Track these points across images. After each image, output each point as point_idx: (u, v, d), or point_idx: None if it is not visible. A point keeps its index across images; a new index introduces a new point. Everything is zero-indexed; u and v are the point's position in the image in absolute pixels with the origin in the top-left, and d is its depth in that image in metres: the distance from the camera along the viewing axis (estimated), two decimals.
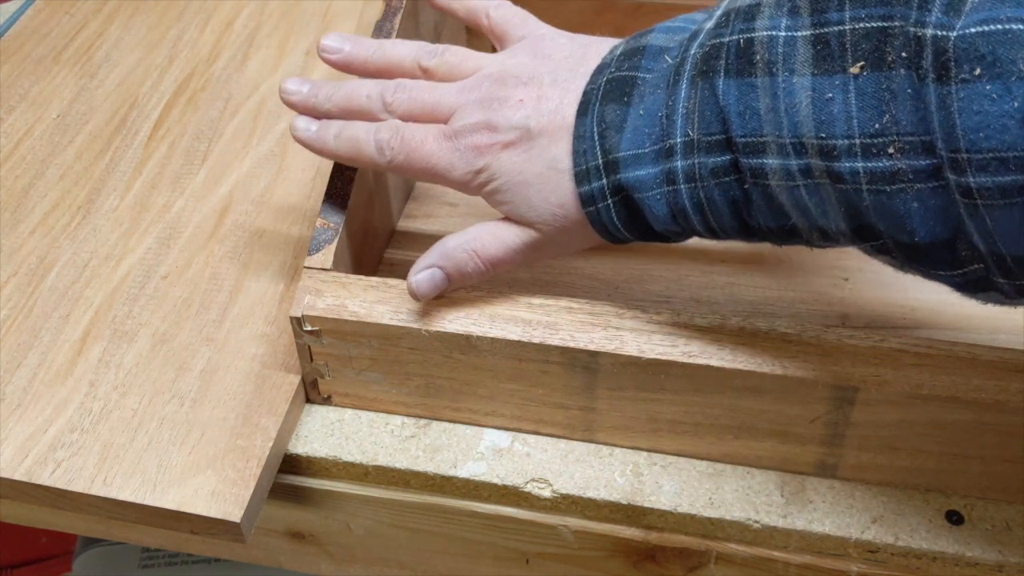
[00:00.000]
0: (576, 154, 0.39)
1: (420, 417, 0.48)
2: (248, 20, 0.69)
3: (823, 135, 0.32)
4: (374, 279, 0.46)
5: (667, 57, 0.38)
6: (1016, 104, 0.27)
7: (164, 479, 0.44)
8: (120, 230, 0.55)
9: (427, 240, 0.57)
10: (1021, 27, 0.27)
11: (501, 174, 0.40)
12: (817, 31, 0.32)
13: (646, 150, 0.37)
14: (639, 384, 0.43)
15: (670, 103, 0.37)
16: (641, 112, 0.37)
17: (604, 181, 0.38)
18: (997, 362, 0.41)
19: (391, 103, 0.43)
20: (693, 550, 0.46)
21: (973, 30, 0.28)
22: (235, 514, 0.42)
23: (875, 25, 0.30)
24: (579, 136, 0.39)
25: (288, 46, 0.67)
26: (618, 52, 0.40)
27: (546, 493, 0.46)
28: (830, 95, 0.31)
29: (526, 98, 0.40)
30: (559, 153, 0.39)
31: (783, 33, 0.33)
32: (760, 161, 0.34)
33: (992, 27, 0.27)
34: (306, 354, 0.47)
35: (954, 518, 0.44)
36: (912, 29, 0.29)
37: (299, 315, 0.45)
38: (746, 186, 0.35)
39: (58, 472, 0.44)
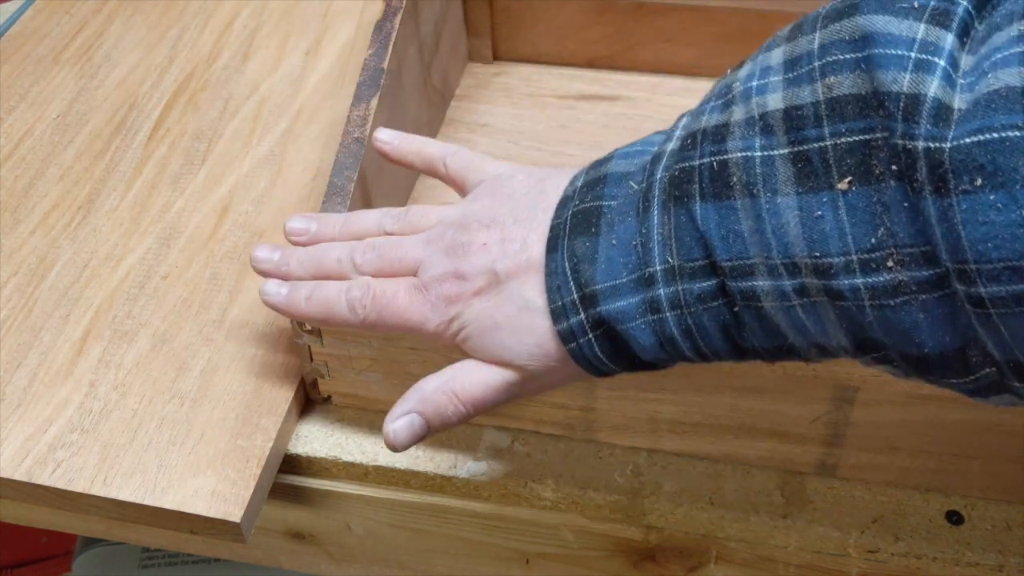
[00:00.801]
0: (550, 291, 0.38)
1: None
2: (248, 20, 0.69)
3: (817, 254, 0.31)
4: None
5: (631, 183, 0.37)
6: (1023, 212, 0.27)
7: (164, 479, 0.44)
8: (120, 230, 0.55)
9: None
10: (1017, 134, 0.26)
11: (473, 321, 0.39)
12: (796, 148, 0.31)
13: (623, 280, 0.36)
14: (639, 384, 0.43)
15: (643, 230, 0.36)
16: (613, 242, 0.37)
17: (582, 316, 0.37)
18: None
19: (360, 264, 0.42)
20: (693, 550, 0.46)
21: (968, 140, 0.27)
22: (235, 514, 0.42)
23: (857, 139, 0.30)
24: (551, 272, 0.38)
25: (288, 46, 0.67)
26: (579, 183, 0.39)
27: (546, 493, 0.46)
28: (819, 213, 0.31)
29: (489, 241, 0.39)
30: (529, 293, 0.38)
31: (759, 153, 0.32)
32: (750, 284, 0.33)
33: (988, 136, 0.27)
34: (306, 354, 0.47)
35: (954, 518, 0.44)
36: (900, 142, 0.29)
37: None
38: (736, 309, 0.34)
39: (58, 472, 0.44)
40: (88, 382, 0.48)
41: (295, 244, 0.45)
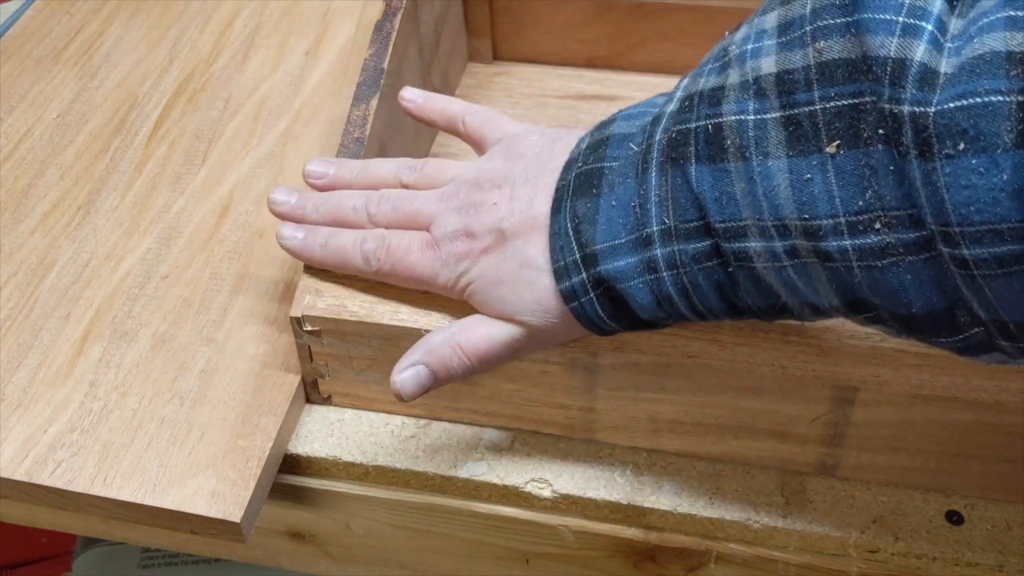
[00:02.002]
0: (553, 251, 0.39)
1: (420, 417, 0.48)
2: (248, 20, 0.69)
3: (806, 216, 0.32)
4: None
5: (631, 144, 0.38)
6: (1005, 177, 0.27)
7: (164, 479, 0.44)
8: (120, 230, 0.55)
9: None
10: (1000, 99, 0.27)
11: (479, 277, 0.40)
12: (787, 112, 0.32)
13: (622, 240, 0.37)
14: (639, 384, 0.43)
15: (642, 192, 0.37)
16: (613, 203, 0.37)
17: (584, 275, 0.38)
18: None
19: (375, 214, 0.44)
20: (693, 550, 0.46)
21: (952, 105, 0.27)
22: (235, 514, 0.43)
23: (846, 103, 0.30)
24: (555, 233, 0.39)
25: (288, 46, 0.67)
26: (584, 145, 0.40)
27: (546, 493, 0.46)
28: (808, 176, 0.31)
29: (500, 200, 0.41)
30: (533, 252, 0.39)
31: (752, 116, 0.33)
32: (743, 245, 0.34)
33: (971, 100, 0.27)
34: (306, 354, 0.47)
35: (954, 518, 0.44)
36: (887, 106, 0.29)
37: (299, 315, 0.45)
38: (730, 269, 0.35)
39: (58, 472, 0.44)
40: (88, 382, 0.48)
41: (312, 187, 0.46)
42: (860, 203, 0.30)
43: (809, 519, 0.44)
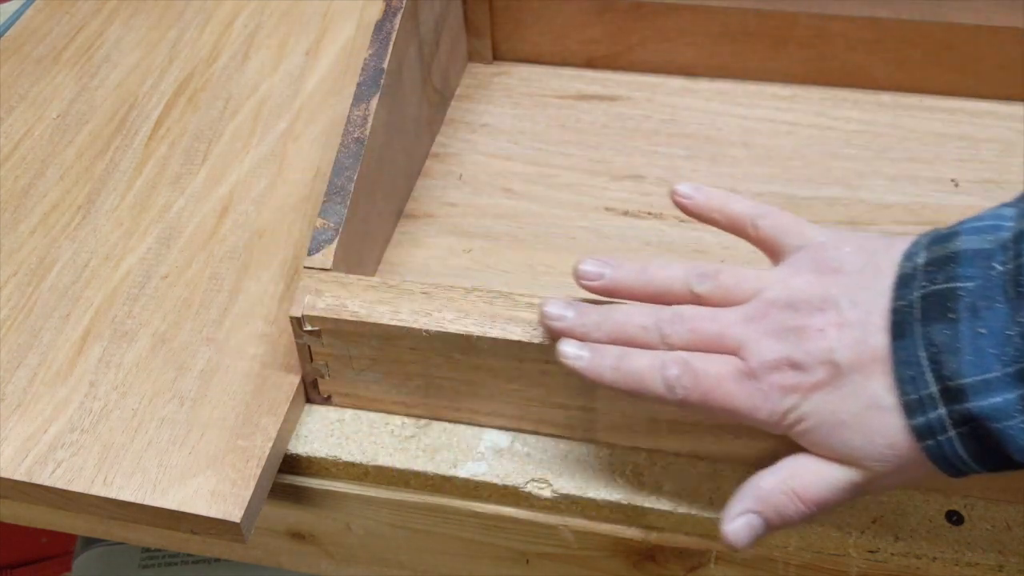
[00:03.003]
0: (902, 382, 0.35)
1: (420, 417, 0.48)
2: (248, 20, 0.69)
3: None
4: (374, 279, 0.46)
5: (994, 264, 0.34)
6: None
7: (164, 479, 0.44)
8: (120, 230, 0.55)
9: (427, 240, 0.57)
10: None
11: (812, 415, 0.37)
12: None
13: (997, 374, 0.34)
14: None
15: (1019, 319, 0.33)
16: (980, 330, 0.34)
17: (944, 411, 0.34)
18: None
19: (669, 335, 0.39)
20: (693, 550, 0.46)
21: None
22: (235, 514, 0.42)
23: None
24: (902, 362, 0.35)
25: (288, 46, 0.67)
26: (921, 261, 0.36)
27: (546, 493, 0.46)
28: None
29: (825, 326, 0.37)
30: (877, 388, 0.36)
31: None
32: None
33: None
34: (306, 354, 0.47)
35: (954, 518, 0.44)
36: None
37: (299, 315, 0.45)
38: None
39: (58, 472, 0.44)
40: (88, 382, 0.48)
41: (586, 288, 0.42)
42: None
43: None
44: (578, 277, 0.42)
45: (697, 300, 0.40)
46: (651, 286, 0.41)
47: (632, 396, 0.40)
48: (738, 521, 0.38)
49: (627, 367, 0.39)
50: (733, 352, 0.38)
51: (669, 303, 0.41)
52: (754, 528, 0.38)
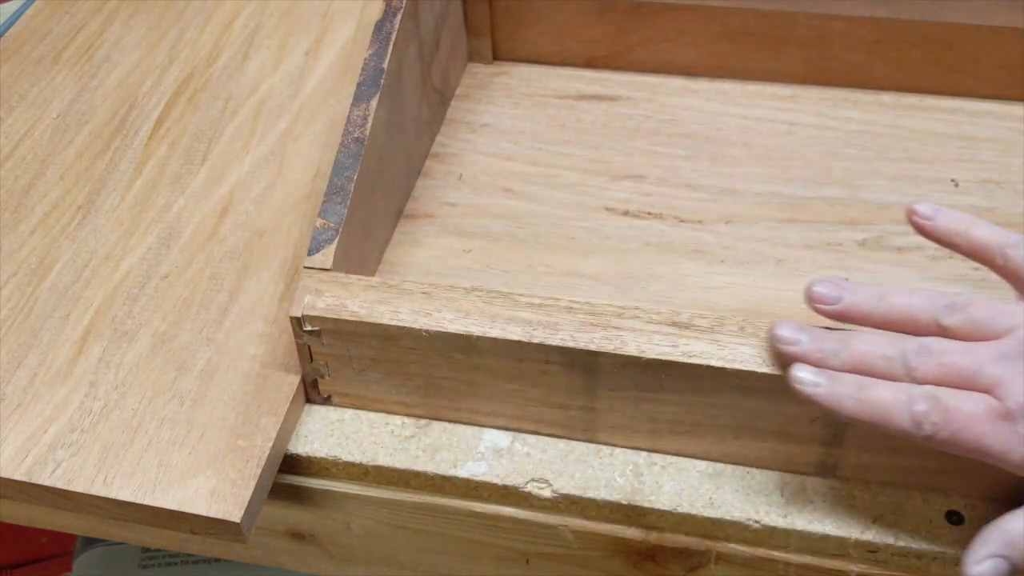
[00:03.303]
0: None
1: (420, 417, 0.48)
2: (248, 20, 0.69)
3: None
4: (374, 279, 0.46)
5: None
6: None
7: (164, 479, 0.44)
8: (120, 230, 0.55)
9: (427, 240, 0.57)
10: None
11: None
12: None
13: None
14: (639, 384, 0.43)
15: None
16: None
17: None
18: None
19: (915, 368, 0.38)
20: (693, 550, 0.46)
21: None
22: (235, 514, 0.42)
23: None
24: None
25: (288, 46, 0.67)
26: None
27: (546, 493, 0.46)
28: None
29: None
30: None
31: None
32: None
33: None
34: (306, 354, 0.47)
35: (954, 518, 0.44)
36: None
37: (299, 315, 0.45)
38: None
39: (58, 472, 0.44)
40: (88, 382, 0.48)
41: (820, 312, 0.41)
42: None
43: (809, 519, 0.44)
44: (811, 300, 0.41)
45: (943, 333, 0.39)
46: (891, 314, 0.40)
47: (873, 427, 0.38)
48: (984, 565, 0.37)
49: (869, 398, 0.38)
50: (986, 390, 0.37)
51: (910, 333, 0.39)
52: (999, 572, 0.37)
